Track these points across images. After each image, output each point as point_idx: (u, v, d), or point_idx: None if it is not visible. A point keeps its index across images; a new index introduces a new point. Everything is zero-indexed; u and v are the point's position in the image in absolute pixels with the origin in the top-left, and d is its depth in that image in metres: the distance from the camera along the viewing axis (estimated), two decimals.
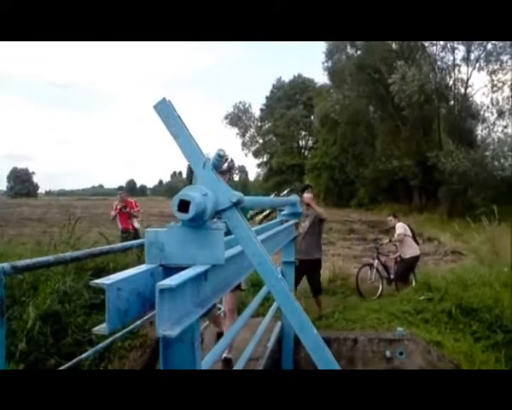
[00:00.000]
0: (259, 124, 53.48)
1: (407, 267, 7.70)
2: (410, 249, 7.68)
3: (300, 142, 53.22)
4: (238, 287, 3.93)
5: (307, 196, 6.55)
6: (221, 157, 1.78)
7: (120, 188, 9.66)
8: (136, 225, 9.40)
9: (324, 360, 1.76)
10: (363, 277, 7.90)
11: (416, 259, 7.75)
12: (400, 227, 7.77)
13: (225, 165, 3.90)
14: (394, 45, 27.26)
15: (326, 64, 33.89)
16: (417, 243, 7.97)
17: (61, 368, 3.18)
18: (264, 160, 53.92)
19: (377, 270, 8.02)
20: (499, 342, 6.07)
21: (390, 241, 8.09)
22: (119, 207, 9.36)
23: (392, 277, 8.03)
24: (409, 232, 7.73)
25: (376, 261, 8.09)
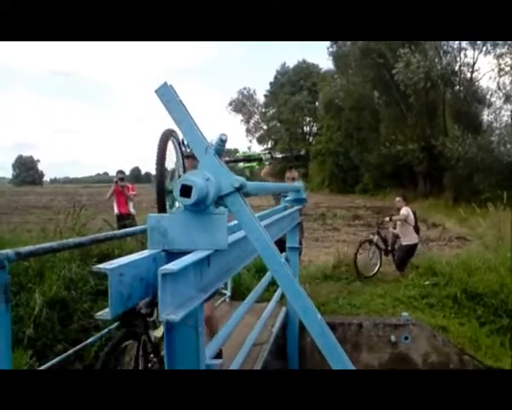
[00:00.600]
0: (264, 110, 53.17)
1: (405, 255, 7.63)
2: (408, 237, 7.60)
3: (305, 128, 52.93)
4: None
5: (289, 175, 6.32)
6: (223, 142, 1.77)
7: (120, 171, 9.61)
8: (132, 210, 9.33)
9: (329, 345, 1.76)
10: (361, 258, 7.86)
11: (413, 247, 7.64)
12: (405, 210, 7.73)
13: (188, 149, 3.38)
14: None
15: (331, 49, 33.55)
16: (418, 233, 7.88)
17: (69, 352, 3.22)
18: (269, 146, 53.74)
19: (376, 246, 7.96)
20: (504, 327, 6.10)
21: (391, 218, 8.02)
22: (114, 179, 9.31)
23: (389, 248, 7.99)
24: (412, 219, 7.65)
25: (376, 237, 7.99)
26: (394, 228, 8.04)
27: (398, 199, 8.27)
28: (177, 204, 2.79)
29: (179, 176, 3.26)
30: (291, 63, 53.48)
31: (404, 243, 7.68)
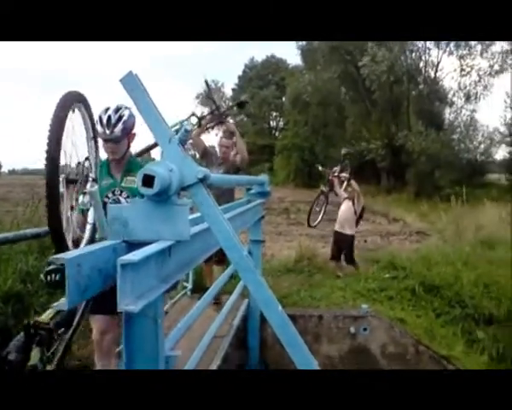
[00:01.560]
0: (231, 104, 52.89)
1: (350, 248, 7.35)
2: (349, 225, 7.27)
3: (271, 122, 53.04)
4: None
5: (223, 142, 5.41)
6: (188, 132, 1.76)
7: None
8: None
9: (289, 336, 1.79)
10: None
11: (352, 238, 7.36)
12: (356, 186, 7.40)
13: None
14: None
15: (299, 43, 33.65)
16: (356, 225, 7.54)
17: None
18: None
19: (325, 196, 7.92)
20: (457, 317, 6.37)
21: (349, 180, 7.55)
22: None
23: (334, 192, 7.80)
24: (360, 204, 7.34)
25: (327, 188, 7.92)
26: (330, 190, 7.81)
27: (335, 169, 7.90)
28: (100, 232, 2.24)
29: (90, 166, 2.63)
30: (259, 57, 53.47)
31: (344, 232, 7.26)
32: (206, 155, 5.35)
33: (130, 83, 1.63)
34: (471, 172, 23.81)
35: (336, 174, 7.92)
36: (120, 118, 2.71)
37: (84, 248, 1.46)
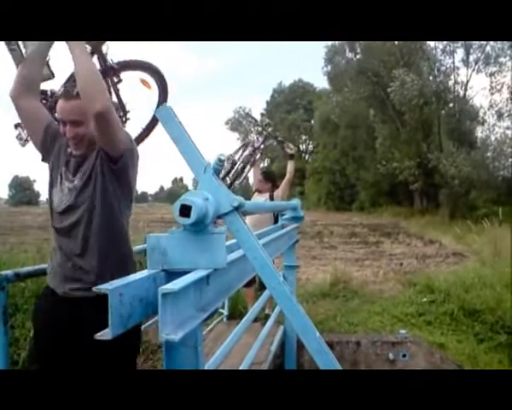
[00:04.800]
0: (260, 129, 53.46)
1: None
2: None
3: (301, 146, 53.28)
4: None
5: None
6: (222, 162, 1.80)
7: None
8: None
9: (327, 362, 1.76)
10: None
11: None
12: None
13: None
14: (393, 48, 27.27)
15: (325, 68, 33.90)
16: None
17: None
18: (265, 164, 53.93)
19: None
20: (502, 343, 6.10)
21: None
22: None
23: None
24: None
25: None
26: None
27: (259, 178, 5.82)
28: None
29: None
30: (287, 82, 54.09)
31: None
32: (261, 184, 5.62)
33: (165, 115, 1.68)
34: (507, 190, 23.17)
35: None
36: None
37: (125, 278, 1.50)
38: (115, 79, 2.65)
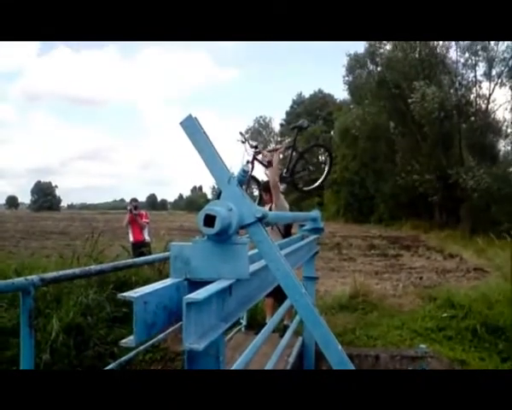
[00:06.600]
0: (279, 139, 53.64)
1: None
2: None
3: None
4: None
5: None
6: (246, 173, 1.81)
7: (133, 199, 9.67)
8: (147, 237, 9.30)
9: None
10: None
11: None
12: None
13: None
14: (414, 61, 27.09)
15: (347, 78, 33.80)
16: None
17: None
18: (284, 175, 53.87)
19: None
20: None
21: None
22: (128, 207, 9.30)
23: None
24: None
25: None
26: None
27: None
28: None
29: None
30: (307, 93, 54.15)
31: None
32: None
33: (190, 126, 1.70)
34: None
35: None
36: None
37: (149, 287, 1.51)
38: None
